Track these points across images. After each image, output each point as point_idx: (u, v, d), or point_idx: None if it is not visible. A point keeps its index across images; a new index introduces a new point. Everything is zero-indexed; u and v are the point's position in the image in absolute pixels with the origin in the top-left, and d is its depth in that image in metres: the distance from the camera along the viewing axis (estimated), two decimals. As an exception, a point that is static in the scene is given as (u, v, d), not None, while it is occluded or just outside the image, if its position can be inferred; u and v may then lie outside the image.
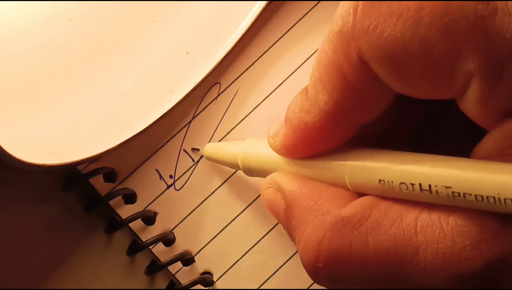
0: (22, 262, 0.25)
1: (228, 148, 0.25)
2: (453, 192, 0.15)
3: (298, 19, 0.28)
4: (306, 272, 0.28)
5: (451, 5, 0.15)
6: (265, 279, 0.28)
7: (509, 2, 0.14)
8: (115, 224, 0.27)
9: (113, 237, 0.28)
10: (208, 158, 0.27)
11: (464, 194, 0.15)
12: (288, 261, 0.27)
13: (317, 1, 0.28)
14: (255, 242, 0.28)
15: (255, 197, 0.28)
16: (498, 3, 0.14)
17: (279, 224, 0.27)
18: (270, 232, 0.28)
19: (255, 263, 0.28)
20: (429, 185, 0.16)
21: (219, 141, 0.28)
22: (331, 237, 0.17)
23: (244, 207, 0.28)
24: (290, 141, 0.19)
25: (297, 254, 0.27)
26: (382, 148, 0.18)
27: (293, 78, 0.28)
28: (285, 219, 0.20)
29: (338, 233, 0.17)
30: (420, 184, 0.16)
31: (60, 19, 0.25)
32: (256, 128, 0.28)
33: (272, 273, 0.28)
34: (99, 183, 0.27)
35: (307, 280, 0.27)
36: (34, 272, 0.26)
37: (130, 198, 0.28)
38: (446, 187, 0.16)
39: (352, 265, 0.17)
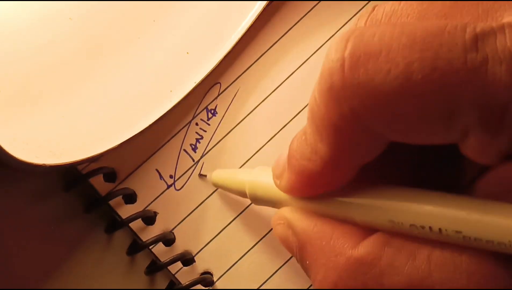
0: (22, 262, 0.25)
1: (235, 176, 0.24)
2: (463, 236, 0.15)
3: (298, 19, 0.28)
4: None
5: (439, 58, 0.14)
6: (265, 279, 0.28)
7: (499, 47, 0.14)
8: (115, 224, 0.27)
9: (113, 237, 0.28)
10: (216, 185, 0.27)
11: (475, 238, 0.15)
12: (288, 261, 0.27)
13: (317, 1, 0.28)
14: (255, 242, 0.28)
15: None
16: (488, 50, 0.14)
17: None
18: (270, 232, 0.28)
19: (255, 263, 0.28)
20: (439, 229, 0.16)
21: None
22: (346, 280, 0.17)
23: (244, 207, 0.28)
24: (294, 185, 0.19)
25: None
26: (385, 177, 0.18)
27: (293, 78, 0.28)
28: (298, 256, 0.20)
29: (353, 276, 0.17)
30: (430, 227, 0.16)
31: (60, 19, 0.25)
32: (256, 128, 0.28)
33: (272, 273, 0.28)
34: (99, 183, 0.27)
35: (307, 281, 0.27)
36: (34, 272, 0.26)
37: (130, 198, 0.27)
38: (457, 231, 0.16)
39: None
